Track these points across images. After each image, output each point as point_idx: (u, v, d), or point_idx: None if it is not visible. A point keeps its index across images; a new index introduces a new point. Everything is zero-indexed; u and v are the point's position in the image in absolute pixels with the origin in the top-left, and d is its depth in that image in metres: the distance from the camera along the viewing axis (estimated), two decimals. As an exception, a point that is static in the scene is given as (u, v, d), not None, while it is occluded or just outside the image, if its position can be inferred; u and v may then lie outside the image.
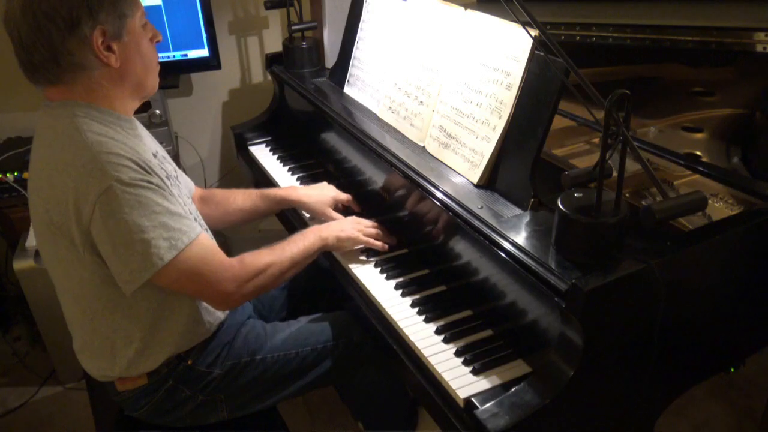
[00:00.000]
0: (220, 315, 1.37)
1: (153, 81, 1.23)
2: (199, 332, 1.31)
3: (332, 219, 1.58)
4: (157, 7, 2.13)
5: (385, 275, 1.41)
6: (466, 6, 1.41)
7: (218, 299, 1.24)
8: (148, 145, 1.23)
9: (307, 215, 1.67)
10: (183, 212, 1.16)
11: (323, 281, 1.63)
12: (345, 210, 1.65)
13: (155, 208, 1.10)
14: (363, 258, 1.48)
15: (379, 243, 1.45)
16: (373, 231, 1.48)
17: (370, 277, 1.41)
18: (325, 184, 1.69)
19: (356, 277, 1.42)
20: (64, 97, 1.14)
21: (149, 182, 1.11)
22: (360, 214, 1.60)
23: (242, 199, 1.61)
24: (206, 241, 1.20)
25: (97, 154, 1.07)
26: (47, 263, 1.24)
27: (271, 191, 1.64)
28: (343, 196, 1.65)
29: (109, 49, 1.12)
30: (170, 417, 1.34)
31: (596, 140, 1.64)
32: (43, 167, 1.13)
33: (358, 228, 1.46)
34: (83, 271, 1.15)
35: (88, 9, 1.07)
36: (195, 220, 1.24)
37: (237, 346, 1.37)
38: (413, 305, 1.31)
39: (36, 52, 1.08)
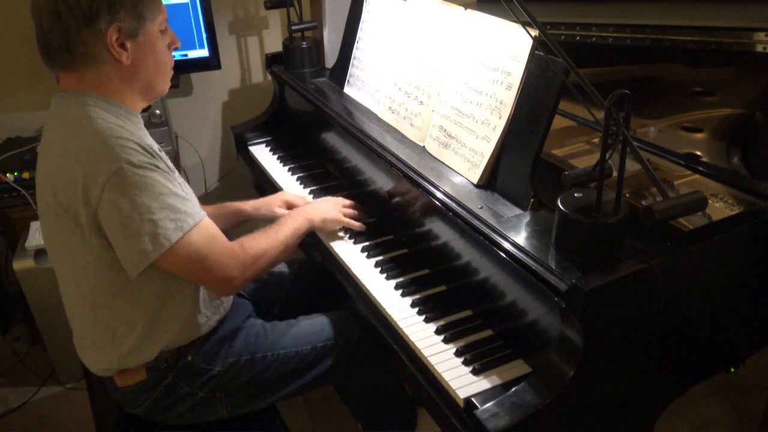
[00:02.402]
0: (220, 309, 1.37)
1: (163, 84, 1.26)
2: (199, 323, 1.31)
3: (281, 216, 1.56)
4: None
5: (385, 275, 1.41)
6: (466, 6, 1.41)
7: (221, 283, 1.26)
8: (151, 141, 1.24)
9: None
10: (187, 196, 1.19)
11: (322, 282, 1.63)
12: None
13: (162, 190, 1.13)
14: (341, 234, 1.57)
15: (357, 224, 1.55)
16: (351, 211, 1.58)
17: (370, 277, 1.41)
18: (277, 193, 1.70)
19: (356, 277, 1.42)
20: (76, 86, 1.17)
21: (156, 166, 1.14)
22: (362, 218, 1.62)
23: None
24: (209, 225, 1.23)
25: (107, 138, 1.10)
26: (51, 250, 1.26)
27: (230, 204, 1.63)
28: (296, 199, 1.65)
29: (122, 46, 1.15)
30: (170, 414, 1.34)
31: (596, 140, 1.64)
32: (52, 152, 1.15)
33: (339, 209, 1.56)
34: (88, 255, 1.17)
35: (108, 5, 1.11)
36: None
37: (237, 345, 1.37)
38: (413, 305, 1.31)
39: (52, 38, 1.12)
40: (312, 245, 1.59)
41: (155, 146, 1.20)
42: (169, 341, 1.28)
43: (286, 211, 1.61)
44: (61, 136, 1.15)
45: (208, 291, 1.31)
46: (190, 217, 1.16)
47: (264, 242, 1.33)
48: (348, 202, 1.60)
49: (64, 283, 1.28)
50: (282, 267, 1.75)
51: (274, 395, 1.41)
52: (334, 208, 1.55)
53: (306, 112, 1.97)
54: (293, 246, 1.41)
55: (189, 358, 1.31)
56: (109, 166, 1.09)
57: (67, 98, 1.17)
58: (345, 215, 1.55)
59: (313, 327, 1.46)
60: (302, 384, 1.42)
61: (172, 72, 1.27)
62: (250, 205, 1.65)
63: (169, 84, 1.28)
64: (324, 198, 1.62)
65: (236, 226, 1.66)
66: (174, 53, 1.25)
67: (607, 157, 0.99)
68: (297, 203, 1.65)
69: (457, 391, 1.09)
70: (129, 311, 1.22)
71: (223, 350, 1.35)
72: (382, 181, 1.57)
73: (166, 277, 1.22)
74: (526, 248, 1.09)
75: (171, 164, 1.30)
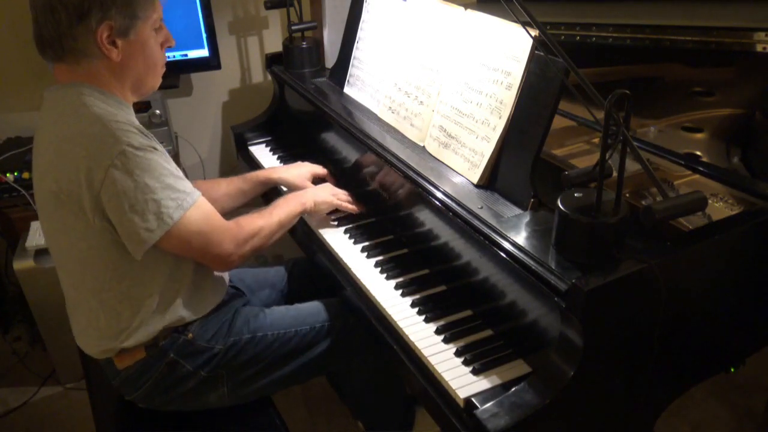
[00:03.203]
0: (219, 292, 1.41)
1: (153, 81, 1.28)
2: (199, 304, 1.34)
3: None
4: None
5: (385, 275, 1.41)
6: (466, 6, 1.41)
7: (219, 259, 1.30)
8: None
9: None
10: (182, 176, 1.23)
11: (318, 281, 1.64)
12: (322, 183, 1.72)
13: (162, 170, 1.17)
14: (334, 223, 1.60)
15: (350, 206, 1.60)
16: (345, 197, 1.61)
17: (370, 277, 1.41)
18: (300, 162, 1.78)
19: (356, 277, 1.42)
20: (70, 78, 1.19)
21: (154, 147, 1.18)
22: (359, 213, 1.63)
23: (226, 184, 1.66)
24: (205, 203, 1.27)
25: (107, 123, 1.14)
26: (52, 241, 1.27)
27: (253, 174, 1.71)
28: (321, 170, 1.74)
29: (113, 43, 1.17)
30: (171, 394, 1.35)
31: (596, 140, 1.63)
32: (52, 140, 1.17)
33: (332, 192, 1.60)
34: (92, 239, 1.19)
35: (100, 3, 1.13)
36: None
37: (237, 324, 1.40)
38: (413, 305, 1.31)
39: (45, 31, 1.15)
40: (312, 245, 1.60)
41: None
42: (170, 321, 1.30)
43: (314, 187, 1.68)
44: (59, 125, 1.17)
45: (208, 267, 1.35)
46: (188, 196, 1.21)
47: (259, 221, 1.38)
48: (342, 191, 1.63)
49: (66, 273, 1.29)
50: (278, 266, 1.76)
51: (275, 374, 1.42)
52: (327, 192, 1.60)
53: (306, 112, 1.97)
54: (287, 227, 1.47)
55: (190, 336, 1.33)
56: (111, 149, 1.12)
57: (61, 89, 1.20)
58: (338, 199, 1.60)
59: (311, 309, 1.49)
60: (302, 364, 1.44)
61: (163, 69, 1.29)
62: (278, 176, 1.69)
63: (160, 81, 1.30)
64: (320, 185, 1.66)
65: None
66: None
67: (607, 157, 0.99)
68: (319, 174, 1.73)
69: (457, 391, 1.09)
70: (134, 293, 1.25)
71: (223, 329, 1.38)
72: (382, 181, 1.57)
73: (168, 257, 1.25)
74: (526, 248, 1.09)
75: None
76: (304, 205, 1.52)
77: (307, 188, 1.64)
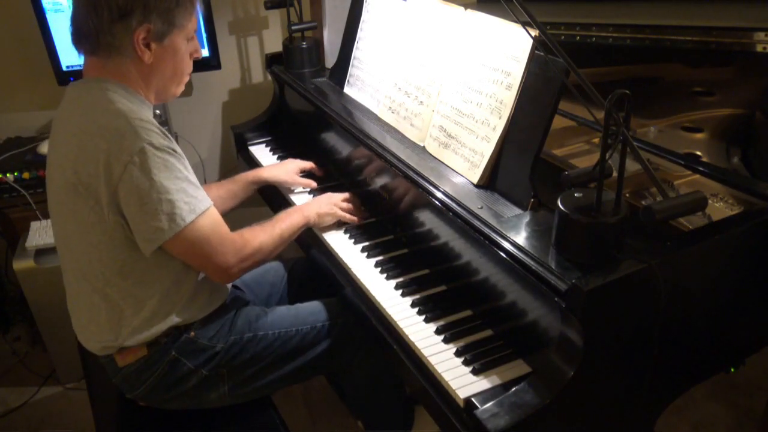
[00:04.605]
0: (221, 295, 1.42)
1: (176, 89, 1.33)
2: (201, 306, 1.35)
3: (301, 185, 1.77)
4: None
5: (385, 275, 1.41)
6: (466, 6, 1.41)
7: (220, 270, 1.30)
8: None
9: (290, 196, 1.78)
10: (197, 183, 1.25)
11: (317, 280, 1.64)
12: (311, 175, 1.81)
13: (178, 174, 1.19)
14: (340, 233, 1.58)
15: (352, 218, 1.59)
16: (346, 205, 1.61)
17: (370, 276, 1.41)
18: (289, 159, 1.83)
19: (356, 277, 1.42)
20: (99, 72, 1.22)
21: (174, 150, 1.20)
22: (357, 212, 1.63)
23: (216, 188, 1.68)
24: (216, 213, 1.28)
25: (131, 120, 1.16)
26: (62, 231, 1.28)
27: (243, 174, 1.74)
28: (307, 165, 1.80)
29: (147, 46, 1.20)
30: (172, 393, 1.35)
31: (596, 140, 1.64)
32: (75, 132, 1.19)
33: (334, 203, 1.60)
34: (103, 234, 1.20)
35: (143, 6, 1.16)
36: None
37: (239, 323, 1.41)
38: (413, 305, 1.31)
39: (84, 24, 1.19)
40: (312, 244, 1.60)
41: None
42: (170, 324, 1.30)
43: (303, 180, 1.76)
44: (82, 117, 1.19)
45: (209, 277, 1.35)
46: (201, 202, 1.23)
47: (262, 235, 1.38)
48: (344, 196, 1.63)
49: (72, 265, 1.30)
50: (278, 266, 1.76)
51: (275, 373, 1.43)
52: (328, 202, 1.59)
53: (306, 112, 1.97)
54: (289, 241, 1.47)
55: (192, 334, 1.34)
56: (132, 145, 1.14)
57: (87, 83, 1.23)
58: (341, 209, 1.59)
59: (312, 309, 1.50)
60: (302, 363, 1.45)
61: (188, 78, 1.33)
62: (267, 174, 1.73)
63: (182, 89, 1.34)
64: (321, 195, 1.65)
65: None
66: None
67: (607, 157, 0.99)
68: (306, 167, 1.79)
69: (457, 391, 1.09)
70: (138, 292, 1.26)
71: (225, 328, 1.39)
72: (382, 182, 1.57)
73: (176, 263, 1.27)
74: (526, 248, 1.09)
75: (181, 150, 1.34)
76: (306, 218, 1.52)
77: (299, 187, 1.68)
